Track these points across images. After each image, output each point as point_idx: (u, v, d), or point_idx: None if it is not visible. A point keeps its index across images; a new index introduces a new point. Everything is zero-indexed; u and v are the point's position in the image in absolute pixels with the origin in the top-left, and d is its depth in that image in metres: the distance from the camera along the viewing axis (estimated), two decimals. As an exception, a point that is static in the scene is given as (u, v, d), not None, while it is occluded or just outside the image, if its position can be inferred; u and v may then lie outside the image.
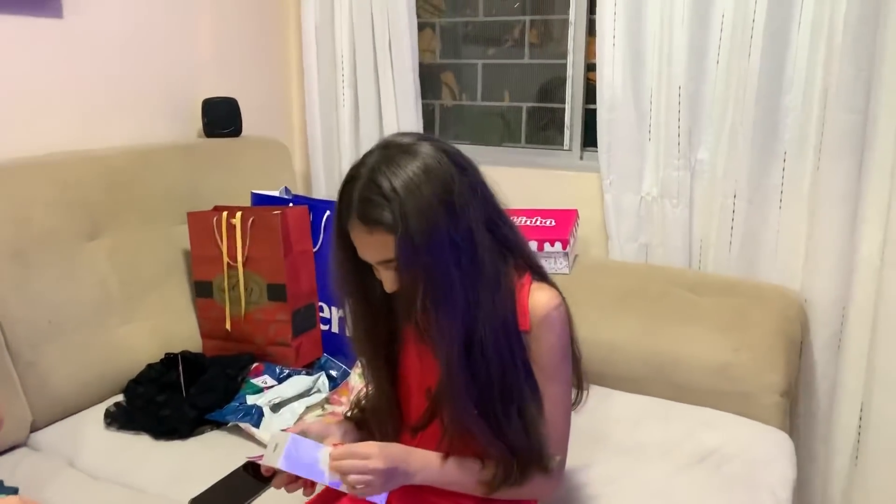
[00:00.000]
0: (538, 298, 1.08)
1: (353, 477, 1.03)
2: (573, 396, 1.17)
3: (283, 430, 1.12)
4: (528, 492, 1.13)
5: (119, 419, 1.60)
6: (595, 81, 2.12)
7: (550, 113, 2.49)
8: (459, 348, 1.03)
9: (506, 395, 1.06)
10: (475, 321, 1.02)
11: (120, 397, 1.69)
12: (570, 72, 2.33)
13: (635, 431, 1.58)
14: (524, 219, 2.06)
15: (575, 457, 1.20)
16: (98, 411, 1.65)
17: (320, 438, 1.16)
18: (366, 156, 1.03)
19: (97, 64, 1.98)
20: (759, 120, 1.91)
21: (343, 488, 1.06)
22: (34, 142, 1.81)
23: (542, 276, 1.12)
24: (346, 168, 2.51)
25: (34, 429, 1.59)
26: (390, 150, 1.01)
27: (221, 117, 2.26)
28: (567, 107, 2.35)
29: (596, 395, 1.60)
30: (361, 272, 1.10)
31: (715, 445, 1.50)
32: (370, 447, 1.06)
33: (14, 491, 1.25)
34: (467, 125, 2.69)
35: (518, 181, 2.34)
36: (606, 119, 2.09)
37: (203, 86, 2.29)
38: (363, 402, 1.24)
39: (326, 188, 2.60)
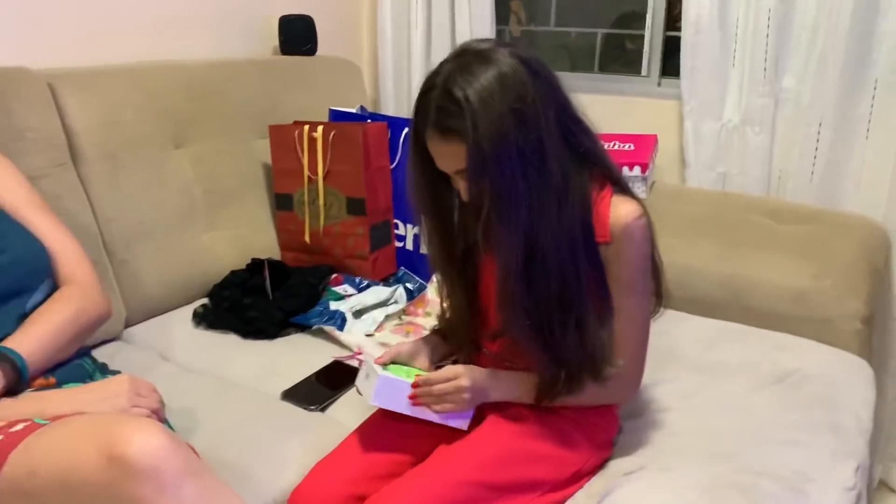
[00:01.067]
0: (619, 210, 1.07)
1: (443, 404, 1.10)
2: (652, 306, 1.17)
3: (375, 362, 1.16)
4: (591, 398, 1.15)
5: (207, 319, 1.66)
6: (675, 7, 2.06)
7: (625, 40, 2.44)
8: (518, 259, 1.04)
9: (564, 306, 1.07)
10: (537, 232, 1.02)
11: (205, 300, 1.75)
12: (650, -5, 2.27)
13: (711, 352, 1.59)
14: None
15: (650, 372, 1.21)
16: (185, 312, 1.72)
17: (412, 357, 1.21)
18: (442, 63, 1.03)
19: (181, -25, 2.00)
20: (850, 46, 1.85)
21: (433, 418, 1.13)
22: (120, 50, 1.85)
23: (623, 188, 1.10)
24: (415, 92, 2.51)
25: (128, 324, 1.66)
26: (465, 58, 1.01)
27: (297, 35, 2.26)
28: (647, 32, 2.29)
29: (671, 318, 1.61)
30: (438, 187, 1.11)
31: (794, 367, 1.50)
32: (455, 370, 1.12)
33: (119, 373, 1.30)
34: (540, 52, 2.65)
35: (593, 108, 2.30)
36: (691, 42, 2.03)
37: (280, 2, 2.29)
38: (444, 315, 1.27)
39: (395, 112, 2.60)
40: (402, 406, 1.13)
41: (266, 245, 1.95)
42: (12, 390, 1.06)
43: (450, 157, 1.03)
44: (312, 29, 2.29)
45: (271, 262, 1.76)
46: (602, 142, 1.11)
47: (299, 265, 1.90)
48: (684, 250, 1.83)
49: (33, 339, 1.11)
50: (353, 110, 2.08)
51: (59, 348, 1.15)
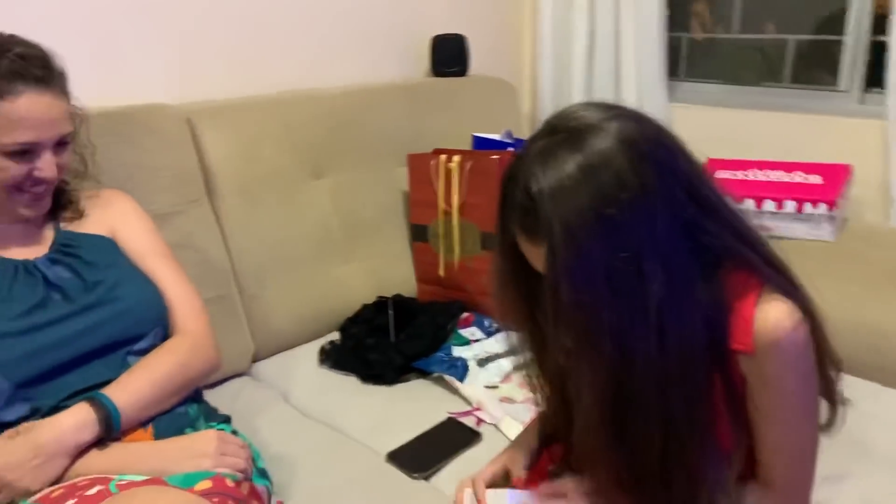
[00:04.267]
0: (767, 315, 0.82)
1: None
2: (823, 417, 0.93)
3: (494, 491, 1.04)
4: None
5: (332, 357, 1.62)
6: (883, 10, 1.72)
7: (823, 47, 2.09)
8: (601, 406, 0.83)
9: (670, 457, 0.83)
10: (629, 372, 0.80)
11: (335, 335, 1.72)
12: (853, -5, 1.92)
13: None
14: (781, 173, 1.75)
15: (824, 467, 0.97)
16: (314, 347, 1.69)
17: (507, 472, 1.07)
18: (530, 141, 0.84)
19: (328, 1, 1.97)
20: None
21: None
22: (265, 80, 1.86)
23: (777, 283, 0.84)
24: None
25: (256, 359, 1.66)
26: (555, 138, 0.81)
27: (449, 55, 2.18)
28: (848, 38, 1.95)
29: (858, 391, 1.33)
30: (530, 285, 0.91)
31: None
32: (566, 486, 0.96)
33: (228, 419, 1.29)
34: (720, 61, 2.36)
35: (778, 128, 2.03)
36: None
37: (432, 22, 2.22)
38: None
39: (554, 131, 2.44)
40: None
41: (402, 278, 1.88)
42: (103, 440, 1.06)
43: (539, 258, 0.83)
44: (465, 48, 2.19)
45: (397, 300, 1.68)
46: (750, 229, 0.86)
47: (433, 299, 1.82)
48: (878, 306, 1.51)
49: (131, 389, 1.11)
50: (498, 136, 1.96)
51: (159, 400, 1.14)
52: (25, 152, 1.08)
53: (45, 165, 1.10)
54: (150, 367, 1.16)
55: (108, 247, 1.25)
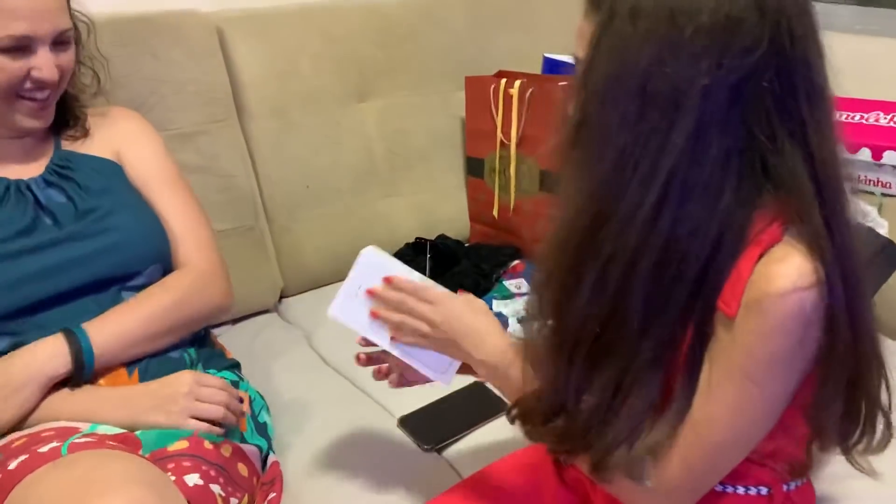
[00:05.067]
0: (767, 271, 0.63)
1: (396, 316, 0.88)
2: (857, 436, 0.73)
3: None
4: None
5: (362, 301, 1.49)
6: None
7: None
8: (574, 231, 0.70)
9: (605, 348, 0.70)
10: (611, 210, 0.66)
11: (371, 275, 1.58)
12: None
13: None
14: (859, 115, 1.46)
15: None
16: (348, 287, 1.56)
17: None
18: None
19: None
20: None
21: (396, 352, 0.91)
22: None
23: (811, 235, 0.64)
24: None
25: (284, 295, 1.55)
26: None
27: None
28: None
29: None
30: None
31: None
32: (439, 296, 0.88)
33: (235, 365, 1.19)
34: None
35: (872, 51, 1.67)
36: None
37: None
38: None
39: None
40: (362, 323, 0.90)
41: (453, 215, 1.71)
42: (76, 380, 0.98)
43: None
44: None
45: (437, 243, 1.52)
46: (844, 179, 0.67)
47: (486, 241, 1.64)
48: None
49: (112, 325, 1.01)
50: (571, 59, 1.71)
51: (147, 339, 1.04)
52: (20, 49, 0.99)
53: (43, 63, 1.01)
54: (140, 302, 1.06)
55: (108, 171, 1.15)
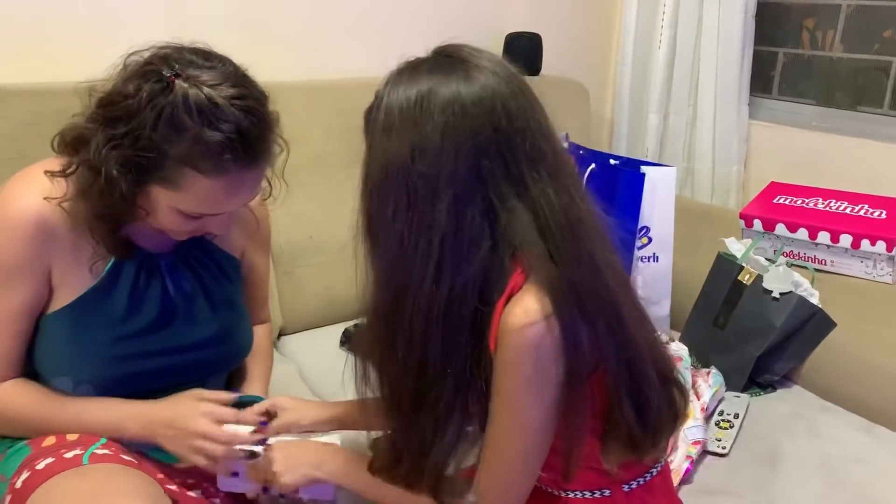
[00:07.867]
0: (510, 311, 0.79)
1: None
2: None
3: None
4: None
5: (350, 341, 1.65)
6: None
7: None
8: (381, 304, 0.87)
9: (421, 394, 0.85)
10: (403, 285, 0.82)
11: (361, 320, 1.74)
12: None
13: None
14: (844, 204, 1.62)
15: None
16: (339, 329, 1.73)
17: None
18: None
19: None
20: None
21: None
22: (330, 67, 1.91)
23: (546, 279, 0.79)
24: (652, 118, 2.26)
25: (283, 333, 1.73)
26: (437, 59, 0.88)
27: (522, 54, 2.15)
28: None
29: None
30: None
31: None
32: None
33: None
34: (815, 81, 2.21)
35: (862, 156, 1.88)
36: None
37: (509, 19, 2.20)
38: None
39: (628, 138, 2.37)
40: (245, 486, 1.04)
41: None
42: None
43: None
44: (539, 47, 2.16)
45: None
46: (603, 225, 0.85)
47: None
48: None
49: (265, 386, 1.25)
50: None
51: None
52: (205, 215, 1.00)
53: (220, 225, 1.04)
54: (265, 365, 1.32)
55: (233, 272, 1.20)
